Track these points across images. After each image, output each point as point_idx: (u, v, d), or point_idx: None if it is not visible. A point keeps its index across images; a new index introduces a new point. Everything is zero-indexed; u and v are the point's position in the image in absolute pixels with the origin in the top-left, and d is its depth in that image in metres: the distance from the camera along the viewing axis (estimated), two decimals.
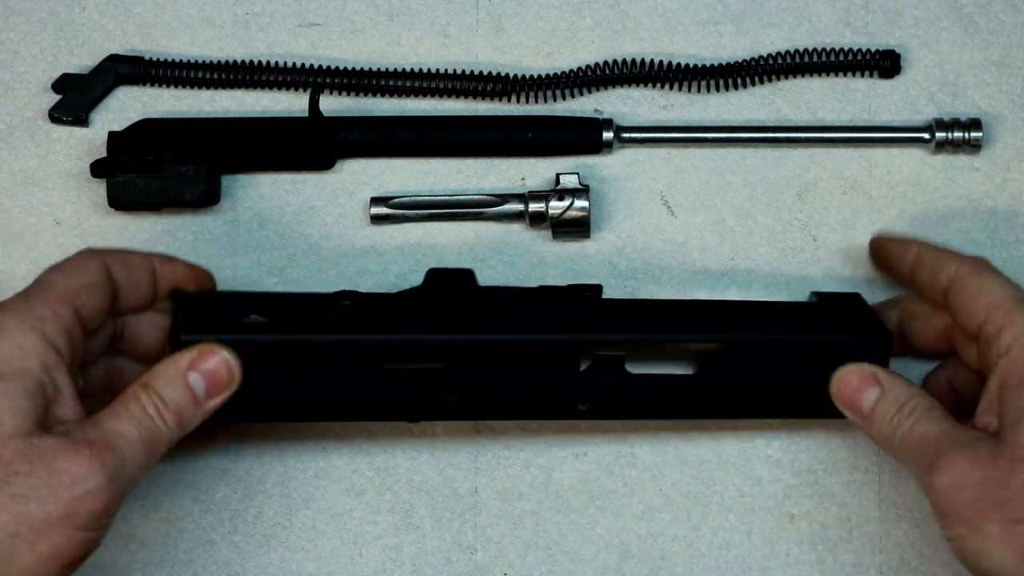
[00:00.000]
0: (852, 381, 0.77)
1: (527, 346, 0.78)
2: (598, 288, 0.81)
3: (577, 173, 0.85)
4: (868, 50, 0.87)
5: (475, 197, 0.86)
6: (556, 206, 0.85)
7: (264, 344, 0.75)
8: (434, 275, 0.81)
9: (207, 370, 0.72)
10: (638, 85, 0.88)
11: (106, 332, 0.76)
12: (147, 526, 0.84)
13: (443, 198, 0.86)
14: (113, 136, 0.84)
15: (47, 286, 0.72)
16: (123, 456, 0.68)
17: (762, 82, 0.88)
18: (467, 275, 0.81)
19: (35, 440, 0.68)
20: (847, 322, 0.80)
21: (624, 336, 0.79)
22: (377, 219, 0.86)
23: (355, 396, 0.78)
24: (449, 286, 0.80)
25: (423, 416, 0.79)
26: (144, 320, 0.79)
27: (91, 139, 0.87)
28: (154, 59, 0.87)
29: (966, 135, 0.86)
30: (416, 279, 0.85)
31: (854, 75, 0.88)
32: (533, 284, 0.82)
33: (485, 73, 0.87)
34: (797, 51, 0.87)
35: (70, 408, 0.70)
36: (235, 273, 0.86)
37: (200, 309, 0.77)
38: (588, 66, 0.87)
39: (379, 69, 0.87)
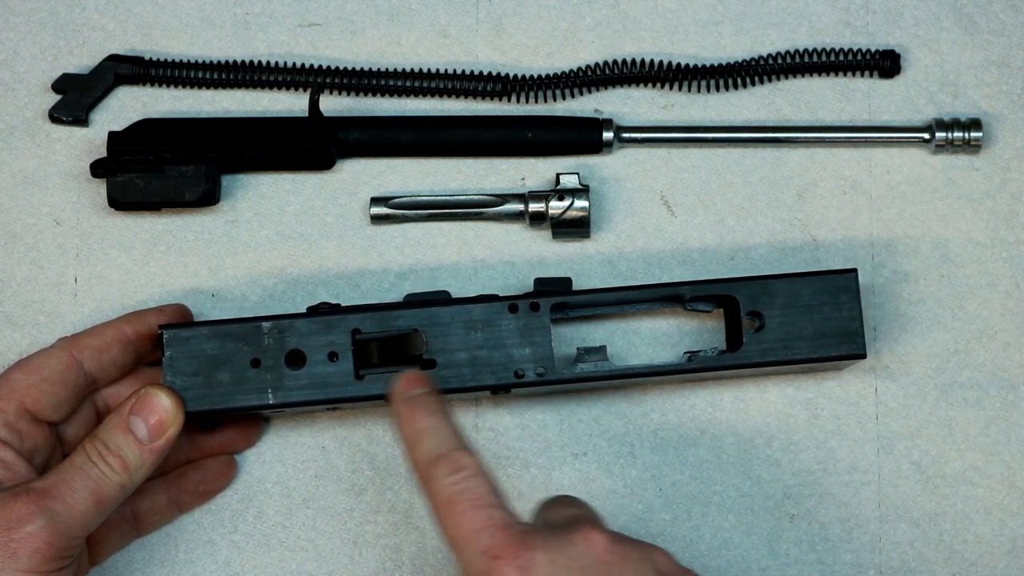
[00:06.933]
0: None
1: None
2: (567, 281, 0.82)
3: (577, 173, 0.85)
4: (868, 50, 0.87)
5: (475, 197, 0.86)
6: (556, 206, 0.85)
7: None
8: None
9: (148, 414, 0.76)
10: (638, 85, 0.88)
11: (86, 412, 0.80)
12: None
13: (443, 198, 0.86)
14: (113, 136, 0.84)
15: (2, 382, 0.78)
16: (65, 500, 0.73)
17: (762, 82, 0.88)
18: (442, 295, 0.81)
19: None
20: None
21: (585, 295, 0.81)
22: (377, 219, 0.86)
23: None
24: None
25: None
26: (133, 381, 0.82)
27: (91, 139, 0.87)
28: (154, 59, 0.87)
29: (966, 135, 0.86)
30: (416, 279, 0.85)
31: (854, 75, 0.88)
32: (533, 284, 0.82)
33: (485, 73, 0.87)
34: (797, 51, 0.87)
35: (21, 476, 0.76)
36: (235, 273, 0.86)
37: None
38: (588, 66, 0.87)
39: (379, 69, 0.87)
